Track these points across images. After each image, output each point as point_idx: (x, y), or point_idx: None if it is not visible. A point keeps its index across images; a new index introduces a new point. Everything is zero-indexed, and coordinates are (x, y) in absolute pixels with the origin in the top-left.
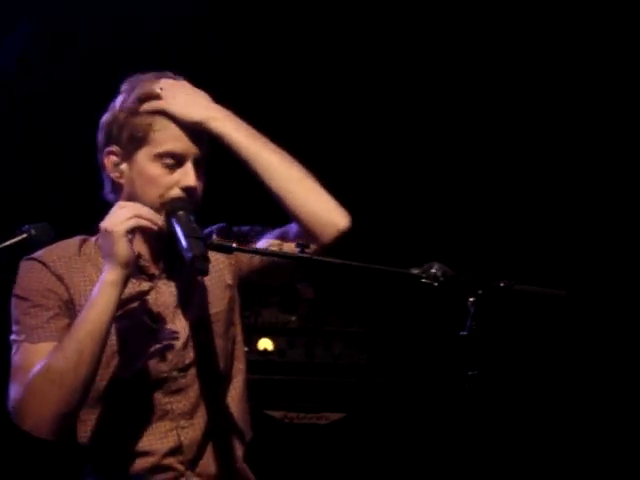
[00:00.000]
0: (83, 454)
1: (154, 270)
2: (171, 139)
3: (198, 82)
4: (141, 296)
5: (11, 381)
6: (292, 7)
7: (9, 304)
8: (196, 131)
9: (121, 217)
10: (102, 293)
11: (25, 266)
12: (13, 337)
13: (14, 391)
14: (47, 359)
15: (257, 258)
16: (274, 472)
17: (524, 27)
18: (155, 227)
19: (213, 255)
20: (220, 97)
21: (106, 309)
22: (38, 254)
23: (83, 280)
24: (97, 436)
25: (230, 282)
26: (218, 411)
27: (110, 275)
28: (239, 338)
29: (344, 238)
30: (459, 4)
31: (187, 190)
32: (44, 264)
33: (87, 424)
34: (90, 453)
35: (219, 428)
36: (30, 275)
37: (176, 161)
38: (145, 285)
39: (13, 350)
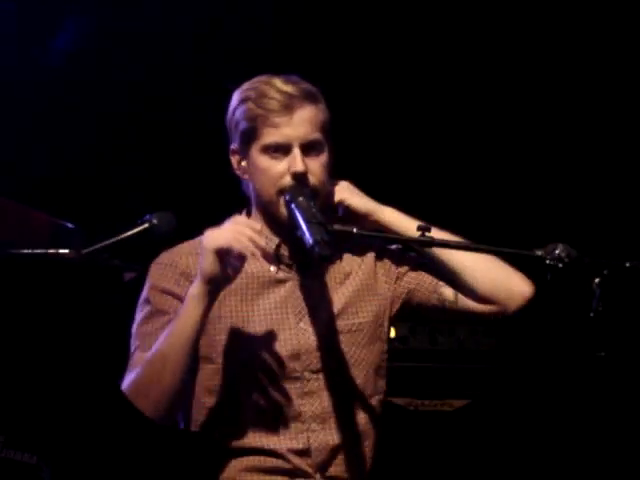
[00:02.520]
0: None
1: (292, 261)
2: (272, 130)
3: None
4: (277, 285)
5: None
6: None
7: (136, 295)
8: (298, 116)
9: (221, 234)
10: (186, 307)
11: (152, 267)
12: (132, 339)
13: None
14: (136, 371)
15: (434, 296)
16: (398, 458)
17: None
18: (248, 253)
19: (368, 265)
20: None
21: (189, 322)
22: (163, 254)
23: None
24: (216, 425)
25: (384, 294)
26: (353, 421)
27: (194, 288)
28: (385, 356)
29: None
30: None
31: (296, 176)
32: (169, 262)
33: (208, 411)
34: (205, 441)
35: (352, 437)
36: (154, 274)
37: (282, 150)
38: (282, 275)
39: (130, 353)
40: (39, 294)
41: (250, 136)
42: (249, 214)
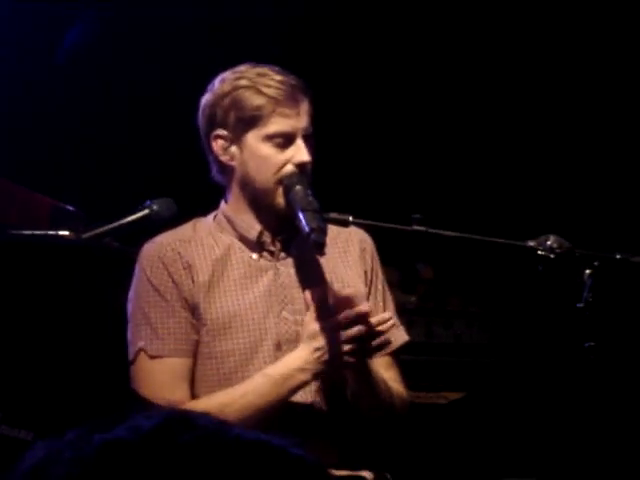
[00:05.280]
0: None
1: (274, 248)
2: (280, 119)
3: None
4: (260, 273)
5: (134, 384)
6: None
7: (130, 278)
8: (302, 107)
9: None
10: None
11: (143, 251)
12: (130, 336)
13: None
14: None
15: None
16: (393, 449)
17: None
18: None
19: (352, 256)
20: None
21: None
22: (148, 246)
23: (202, 253)
24: None
25: (360, 286)
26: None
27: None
28: None
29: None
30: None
31: (300, 165)
32: (161, 244)
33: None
34: None
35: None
36: (146, 261)
37: (286, 139)
38: (264, 263)
39: (130, 352)
40: (40, 274)
41: (251, 123)
42: (226, 201)
